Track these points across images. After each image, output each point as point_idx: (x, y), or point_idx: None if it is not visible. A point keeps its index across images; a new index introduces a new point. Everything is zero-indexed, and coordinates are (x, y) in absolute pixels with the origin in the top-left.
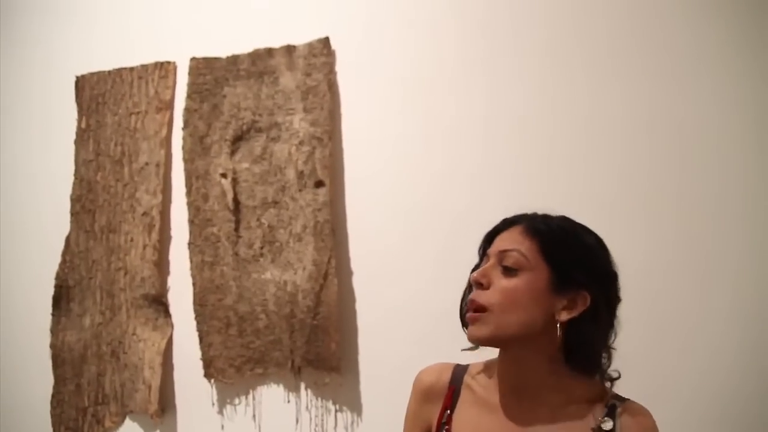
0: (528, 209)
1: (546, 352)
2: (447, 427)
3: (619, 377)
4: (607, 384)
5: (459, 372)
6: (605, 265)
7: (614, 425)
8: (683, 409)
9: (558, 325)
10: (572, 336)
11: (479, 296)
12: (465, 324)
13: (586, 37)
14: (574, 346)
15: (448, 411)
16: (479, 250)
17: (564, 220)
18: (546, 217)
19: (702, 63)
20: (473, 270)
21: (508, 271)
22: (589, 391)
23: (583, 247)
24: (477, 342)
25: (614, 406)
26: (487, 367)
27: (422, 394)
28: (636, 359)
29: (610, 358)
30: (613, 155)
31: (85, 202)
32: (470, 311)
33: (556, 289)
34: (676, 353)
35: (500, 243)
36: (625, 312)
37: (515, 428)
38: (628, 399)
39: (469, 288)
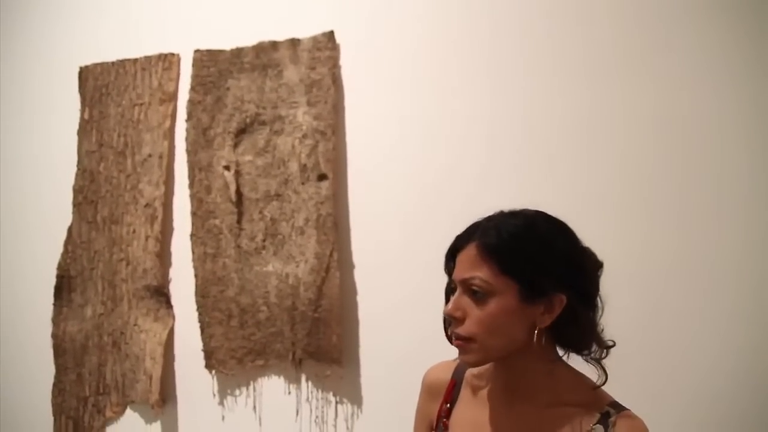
0: (531, 205)
1: (538, 354)
2: (444, 420)
3: (614, 345)
4: (603, 356)
5: (462, 368)
6: (568, 257)
7: None
8: (684, 409)
9: (538, 332)
10: (559, 333)
11: (460, 330)
12: (452, 342)
13: (590, 35)
14: (564, 339)
15: (448, 405)
16: (445, 268)
17: (514, 217)
18: (498, 225)
19: (704, 62)
20: (446, 288)
21: (478, 297)
22: (584, 396)
23: (541, 248)
24: (471, 366)
25: (608, 413)
26: (488, 366)
27: (427, 391)
28: (637, 359)
29: (600, 339)
30: (616, 154)
31: (87, 193)
32: (456, 340)
33: (529, 300)
34: (677, 353)
35: (461, 269)
36: (627, 310)
37: (505, 427)
38: (626, 408)
39: (447, 319)
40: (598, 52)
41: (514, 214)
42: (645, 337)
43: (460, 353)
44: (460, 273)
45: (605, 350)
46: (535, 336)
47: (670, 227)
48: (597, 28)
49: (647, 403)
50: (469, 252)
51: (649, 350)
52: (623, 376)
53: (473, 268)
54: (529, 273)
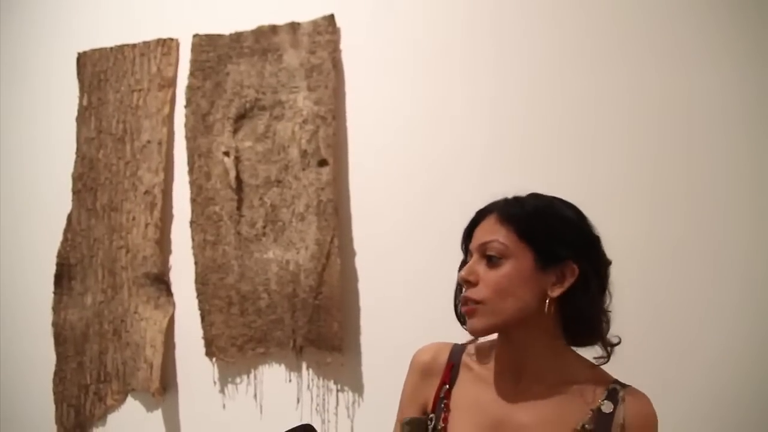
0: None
1: (545, 331)
2: (446, 401)
3: (619, 342)
4: (608, 349)
5: (457, 350)
6: (585, 233)
7: (614, 409)
8: (689, 403)
9: (549, 301)
10: (568, 308)
11: (471, 293)
12: (461, 320)
13: (594, 24)
14: (572, 318)
15: (447, 386)
16: (462, 247)
17: (536, 197)
18: (518, 200)
19: (710, 52)
20: (460, 266)
21: (493, 262)
22: (589, 373)
23: (560, 221)
24: (477, 334)
25: (615, 390)
26: (485, 347)
27: (420, 372)
28: (642, 353)
29: (608, 322)
30: (621, 144)
31: (86, 180)
32: (465, 306)
33: (543, 268)
34: (682, 347)
35: (479, 236)
36: (632, 300)
37: (512, 406)
38: (630, 385)
39: (459, 288)
40: (602, 40)
41: (533, 195)
42: (650, 331)
43: (468, 318)
44: (478, 239)
45: (611, 346)
46: (546, 306)
47: (675, 218)
48: (601, 16)
49: (655, 392)
50: (489, 221)
51: (656, 340)
52: (631, 366)
53: (492, 233)
54: (546, 239)
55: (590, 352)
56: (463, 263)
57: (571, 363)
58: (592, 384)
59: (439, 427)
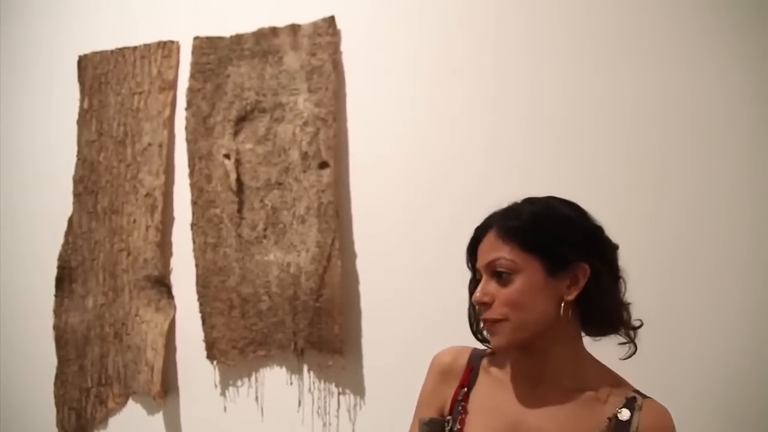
0: (536, 192)
1: (563, 335)
2: (463, 404)
3: (641, 325)
4: (631, 333)
5: (477, 354)
6: (588, 228)
7: (631, 417)
8: (689, 403)
9: (566, 305)
10: (585, 306)
11: (489, 314)
12: (480, 338)
13: (597, 23)
14: (591, 314)
15: (465, 389)
16: (467, 265)
17: (531, 203)
18: (514, 209)
19: (714, 54)
20: (470, 284)
21: (503, 279)
22: (608, 380)
23: (560, 223)
24: (502, 350)
25: (634, 398)
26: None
27: (440, 374)
28: (642, 353)
29: (628, 309)
30: (622, 144)
31: (87, 183)
32: (486, 326)
33: (554, 274)
34: (682, 347)
35: (484, 254)
36: (636, 298)
37: (529, 410)
38: (650, 397)
39: (472, 307)
40: (606, 39)
41: (528, 200)
42: (652, 331)
43: (491, 337)
44: (483, 259)
45: (633, 330)
46: (563, 309)
47: (678, 219)
48: (605, 16)
49: (656, 392)
50: (490, 238)
51: (656, 340)
52: (631, 366)
53: (496, 250)
54: (551, 246)
55: (612, 340)
56: (472, 281)
57: (590, 369)
58: (610, 391)
59: (455, 429)
